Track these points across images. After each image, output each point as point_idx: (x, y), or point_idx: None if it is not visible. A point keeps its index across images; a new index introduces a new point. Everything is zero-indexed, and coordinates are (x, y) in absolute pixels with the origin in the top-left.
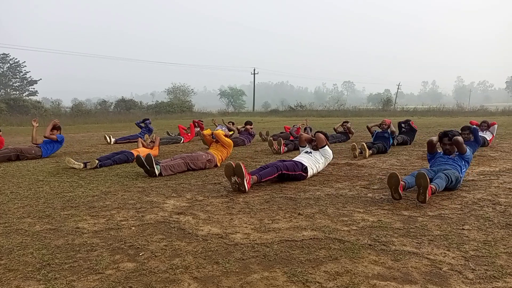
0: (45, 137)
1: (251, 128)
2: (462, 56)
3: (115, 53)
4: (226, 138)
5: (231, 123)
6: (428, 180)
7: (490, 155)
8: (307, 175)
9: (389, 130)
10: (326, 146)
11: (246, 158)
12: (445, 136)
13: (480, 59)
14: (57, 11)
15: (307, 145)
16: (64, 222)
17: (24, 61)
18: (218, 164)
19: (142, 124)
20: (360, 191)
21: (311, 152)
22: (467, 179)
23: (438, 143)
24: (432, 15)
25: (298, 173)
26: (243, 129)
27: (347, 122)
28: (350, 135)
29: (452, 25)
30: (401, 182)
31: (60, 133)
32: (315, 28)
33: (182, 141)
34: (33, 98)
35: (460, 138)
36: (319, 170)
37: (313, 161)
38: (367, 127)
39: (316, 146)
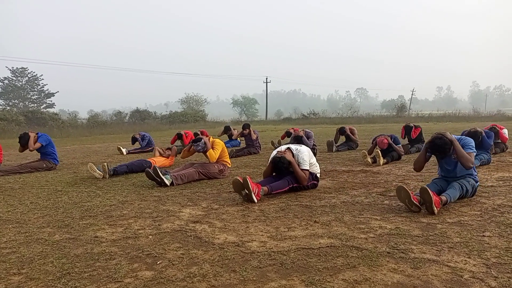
0: (30, 150)
1: (246, 131)
2: (477, 61)
3: (129, 65)
4: (211, 152)
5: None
6: (431, 194)
7: (509, 161)
8: (318, 182)
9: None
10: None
11: (260, 167)
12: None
13: (496, 63)
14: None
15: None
16: (82, 231)
17: (42, 74)
18: (229, 165)
19: (138, 136)
20: (376, 198)
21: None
22: (486, 185)
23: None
24: (445, 21)
25: (310, 183)
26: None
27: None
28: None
29: (466, 30)
30: (411, 193)
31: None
32: (327, 37)
33: None
34: (51, 110)
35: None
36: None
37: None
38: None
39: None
